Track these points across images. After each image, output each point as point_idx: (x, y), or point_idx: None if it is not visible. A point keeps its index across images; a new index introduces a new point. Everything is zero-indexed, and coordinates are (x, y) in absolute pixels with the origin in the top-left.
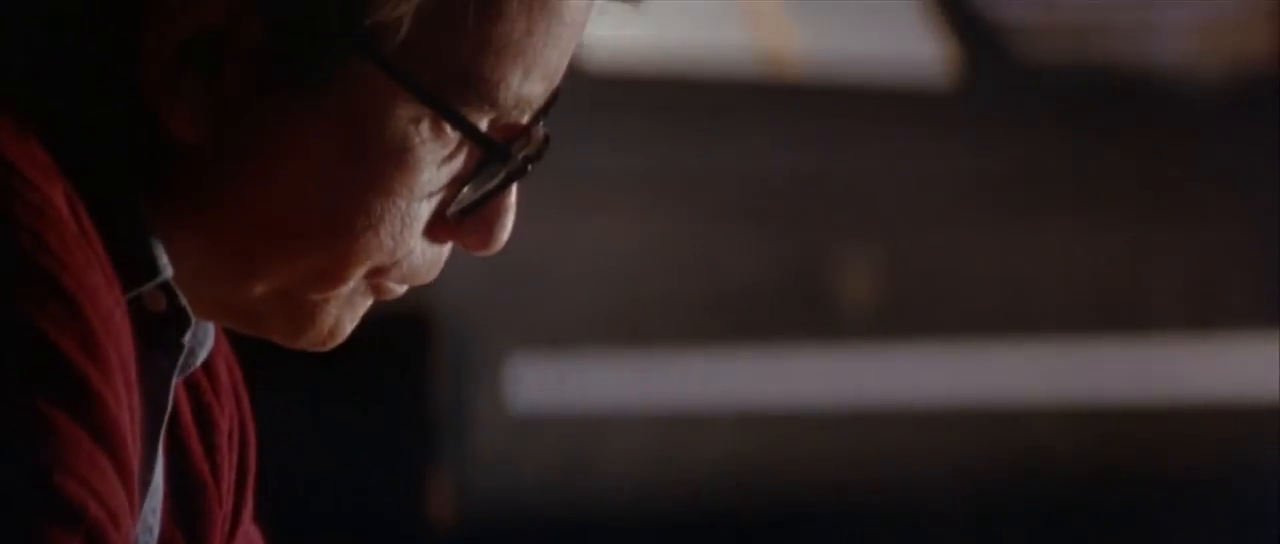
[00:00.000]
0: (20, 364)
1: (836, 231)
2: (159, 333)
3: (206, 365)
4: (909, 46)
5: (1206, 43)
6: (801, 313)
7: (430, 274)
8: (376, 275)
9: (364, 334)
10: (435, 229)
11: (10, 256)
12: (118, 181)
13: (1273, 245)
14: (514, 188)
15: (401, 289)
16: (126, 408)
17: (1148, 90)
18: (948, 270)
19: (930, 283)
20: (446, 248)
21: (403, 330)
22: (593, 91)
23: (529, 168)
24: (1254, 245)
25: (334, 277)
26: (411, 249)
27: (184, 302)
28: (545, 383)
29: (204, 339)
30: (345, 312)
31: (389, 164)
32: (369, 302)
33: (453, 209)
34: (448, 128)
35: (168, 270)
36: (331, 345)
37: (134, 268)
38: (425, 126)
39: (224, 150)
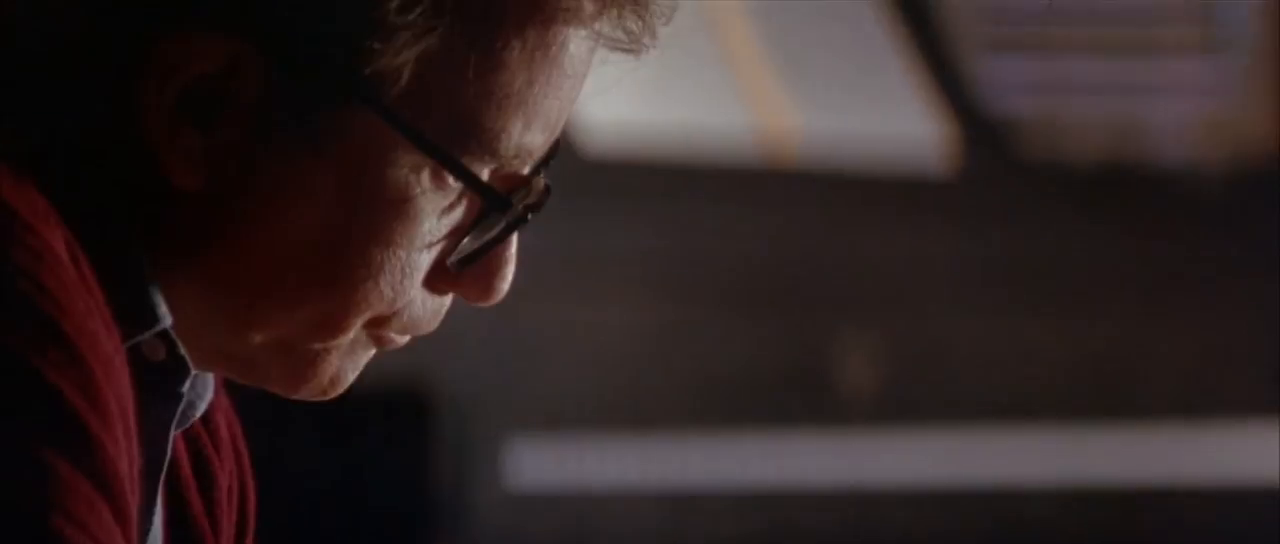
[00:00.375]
0: (20, 408)
1: (836, 316)
2: (158, 382)
3: (206, 420)
4: (909, 130)
5: (1205, 135)
6: (801, 396)
7: (431, 324)
8: (377, 325)
9: (365, 412)
10: (436, 280)
11: (10, 301)
12: (117, 229)
13: (1269, 333)
14: (515, 239)
15: (403, 339)
16: (126, 455)
17: (1146, 180)
18: (947, 355)
19: (930, 367)
20: (447, 299)
21: (403, 409)
22: (592, 174)
23: (530, 217)
24: (1251, 333)
25: (334, 326)
26: (412, 299)
27: (183, 351)
28: (545, 463)
29: (203, 391)
30: (346, 361)
31: (389, 213)
32: (371, 352)
33: (453, 259)
34: (448, 177)
35: (167, 319)
36: (333, 395)
37: (133, 316)
38: (426, 176)
39: (223, 199)
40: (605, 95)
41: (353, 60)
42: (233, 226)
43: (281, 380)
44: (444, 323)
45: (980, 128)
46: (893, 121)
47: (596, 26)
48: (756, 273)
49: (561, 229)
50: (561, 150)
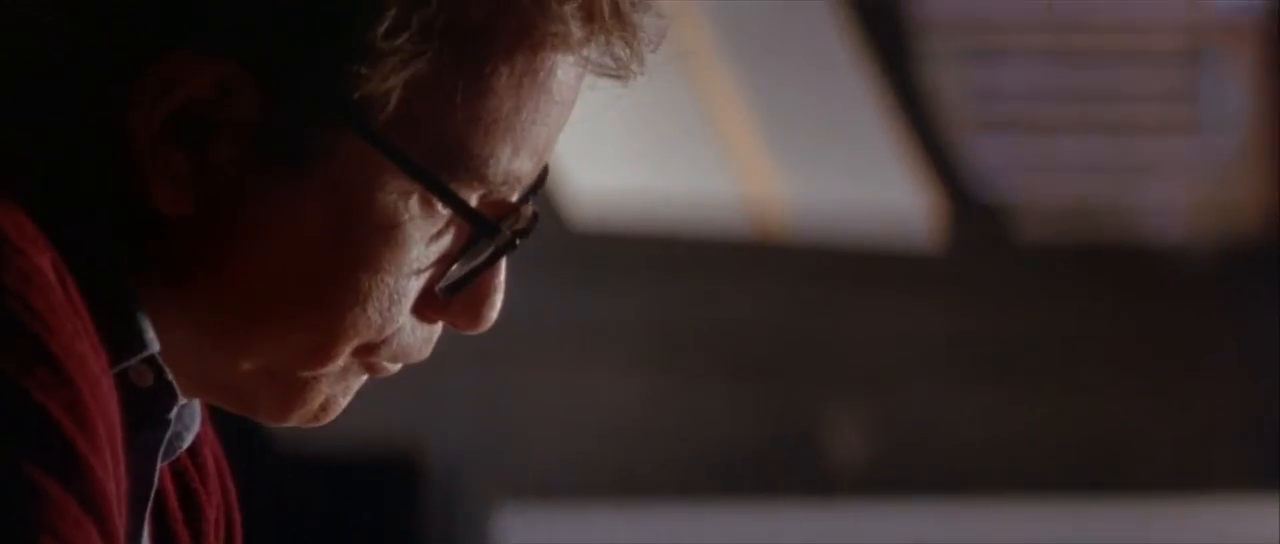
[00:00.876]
0: (7, 429)
1: (824, 387)
2: (146, 408)
3: (192, 452)
4: (897, 203)
5: (1193, 211)
6: (788, 467)
7: (422, 353)
8: (368, 353)
9: (356, 475)
10: (424, 308)
11: None
12: (105, 253)
13: (1261, 408)
14: (503, 266)
15: (395, 367)
16: (113, 476)
17: (1134, 255)
18: (935, 428)
19: (918, 440)
20: (437, 328)
21: (394, 474)
22: (581, 245)
23: (518, 243)
24: (1241, 408)
25: (322, 353)
26: (401, 326)
27: (170, 377)
28: (534, 530)
29: (191, 422)
30: (336, 389)
31: (377, 239)
32: (362, 379)
33: (442, 285)
34: (437, 204)
35: (154, 345)
36: (324, 421)
37: (121, 342)
38: (414, 202)
39: (211, 224)
40: (596, 165)
41: (340, 84)
42: (220, 252)
43: (270, 408)
44: (436, 388)
45: (968, 202)
46: (881, 195)
47: (585, 53)
48: (745, 344)
49: (552, 298)
50: (551, 222)
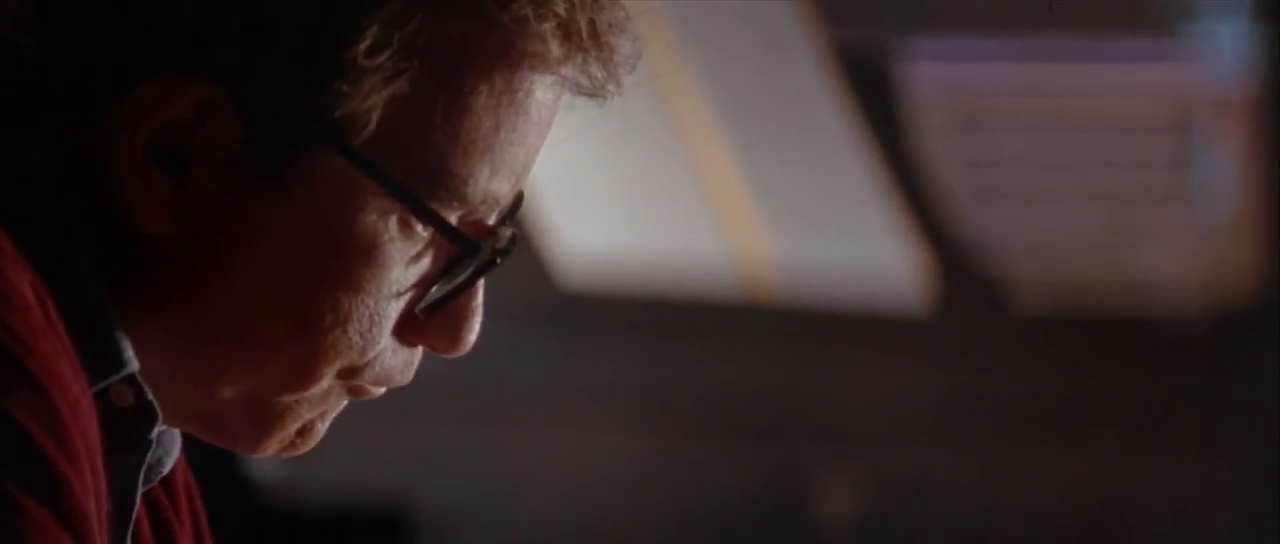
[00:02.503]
0: None
1: (813, 448)
2: (128, 428)
3: (165, 481)
4: (887, 266)
5: (1185, 279)
6: (779, 527)
7: (404, 376)
8: (350, 376)
9: (346, 535)
10: (405, 330)
11: None
12: (85, 274)
13: (1249, 475)
14: (481, 288)
15: (379, 391)
16: (93, 495)
17: (1127, 322)
18: (925, 489)
19: (907, 501)
20: (418, 351)
21: (383, 531)
22: (571, 305)
23: (498, 262)
24: (1231, 476)
25: (303, 377)
26: (382, 348)
27: (151, 396)
28: None
29: (170, 448)
30: (315, 413)
31: (358, 260)
32: (343, 403)
33: (421, 305)
34: (417, 225)
35: (134, 364)
36: (303, 449)
37: (100, 361)
38: (393, 222)
39: (192, 245)
40: (587, 225)
41: (321, 103)
42: (202, 273)
43: (248, 435)
44: (424, 447)
45: (959, 267)
46: (871, 257)
47: (562, 72)
48: (735, 404)
49: (542, 357)
50: (542, 282)
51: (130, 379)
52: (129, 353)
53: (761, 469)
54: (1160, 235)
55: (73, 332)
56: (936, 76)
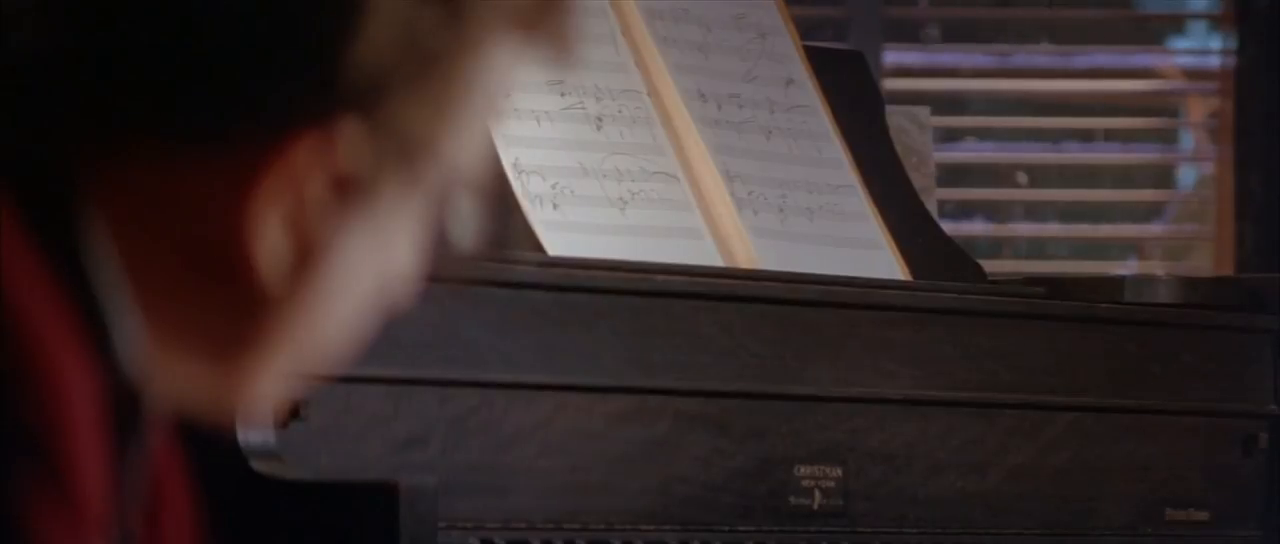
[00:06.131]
0: None
1: (795, 434)
2: (133, 411)
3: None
4: (871, 261)
5: (1164, 284)
6: (765, 511)
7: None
8: None
9: (329, 512)
10: None
11: None
12: (100, 258)
13: (1225, 454)
14: None
15: None
16: (102, 479)
17: (1111, 318)
18: (909, 469)
19: (890, 481)
20: None
21: (372, 502)
22: (559, 287)
23: None
24: (1213, 446)
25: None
26: None
27: (154, 378)
28: None
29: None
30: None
31: None
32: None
33: None
34: None
35: (141, 346)
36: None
37: (109, 345)
38: None
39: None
40: (574, 235)
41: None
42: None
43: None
44: (414, 419)
45: (942, 266)
46: (855, 253)
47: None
48: (722, 387)
49: (531, 341)
50: (530, 265)
51: (134, 360)
52: (137, 335)
53: (748, 452)
54: (1141, 245)
55: (85, 316)
56: (918, 87)
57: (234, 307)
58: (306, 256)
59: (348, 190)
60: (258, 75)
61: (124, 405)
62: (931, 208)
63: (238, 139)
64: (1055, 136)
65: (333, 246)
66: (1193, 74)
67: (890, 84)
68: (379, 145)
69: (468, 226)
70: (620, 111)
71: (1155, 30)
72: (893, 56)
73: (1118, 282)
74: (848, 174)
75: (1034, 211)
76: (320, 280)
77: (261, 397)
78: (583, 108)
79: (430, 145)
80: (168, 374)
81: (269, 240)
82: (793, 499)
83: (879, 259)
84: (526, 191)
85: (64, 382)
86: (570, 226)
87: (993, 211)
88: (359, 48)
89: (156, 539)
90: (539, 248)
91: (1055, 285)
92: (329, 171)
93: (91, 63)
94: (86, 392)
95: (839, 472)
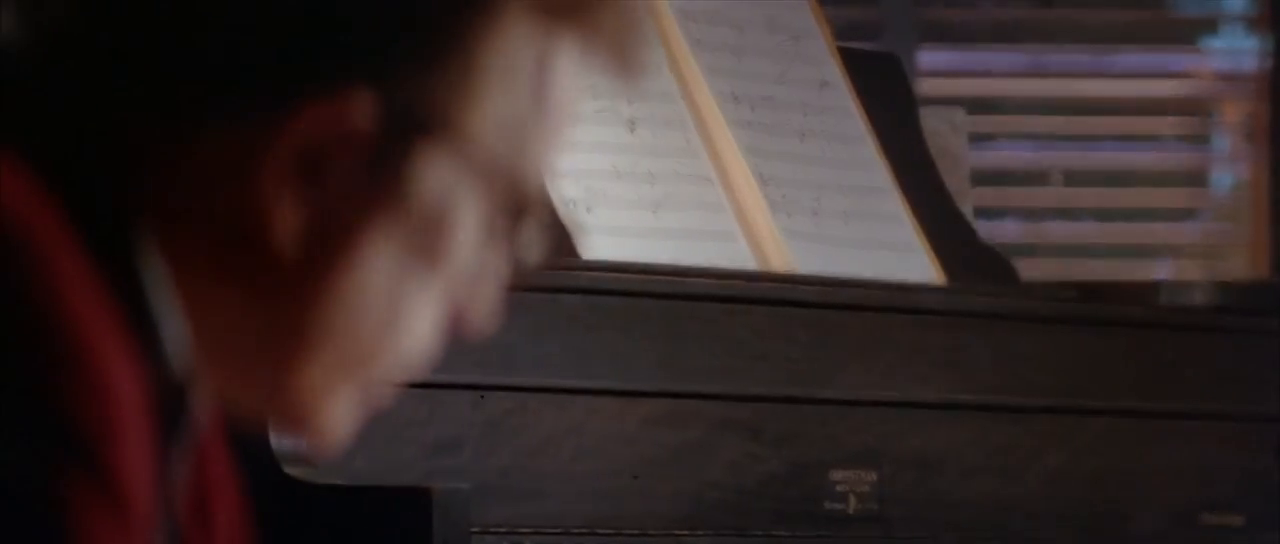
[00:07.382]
0: (37, 430)
1: (835, 440)
2: (178, 411)
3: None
4: (906, 265)
5: (1200, 288)
6: (799, 516)
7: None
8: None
9: (360, 515)
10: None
11: (31, 324)
12: (144, 258)
13: (1262, 470)
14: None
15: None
16: (145, 480)
17: (1143, 323)
18: (941, 475)
19: (924, 488)
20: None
21: (404, 507)
22: (589, 291)
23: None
24: (1244, 453)
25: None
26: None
27: (199, 378)
28: None
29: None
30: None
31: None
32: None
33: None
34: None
35: (185, 345)
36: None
37: (153, 343)
38: None
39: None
40: (607, 239)
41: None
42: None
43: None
44: (447, 423)
45: (974, 271)
46: (890, 255)
47: None
48: (755, 392)
49: (559, 344)
50: (561, 269)
51: (180, 360)
52: (182, 333)
53: (781, 457)
54: (1176, 248)
55: (129, 313)
56: (951, 88)
57: (267, 294)
58: (330, 232)
59: (366, 160)
60: (264, 43)
61: (170, 406)
62: (966, 210)
63: (249, 109)
64: (1090, 138)
65: (360, 228)
66: (1227, 76)
67: (924, 86)
68: (393, 116)
69: (535, 240)
70: (653, 114)
71: (1190, 32)
72: (927, 58)
73: (1153, 286)
74: (882, 176)
75: (1068, 214)
76: (347, 262)
77: (332, 416)
78: (615, 110)
79: (451, 122)
80: (209, 375)
81: (286, 208)
82: (827, 504)
83: (913, 262)
84: (559, 195)
85: (111, 382)
86: (603, 229)
87: (1027, 214)
88: (364, 15)
89: (210, 541)
90: (572, 251)
91: (1090, 289)
92: (344, 139)
93: (112, 48)
94: (133, 392)
95: (874, 476)
